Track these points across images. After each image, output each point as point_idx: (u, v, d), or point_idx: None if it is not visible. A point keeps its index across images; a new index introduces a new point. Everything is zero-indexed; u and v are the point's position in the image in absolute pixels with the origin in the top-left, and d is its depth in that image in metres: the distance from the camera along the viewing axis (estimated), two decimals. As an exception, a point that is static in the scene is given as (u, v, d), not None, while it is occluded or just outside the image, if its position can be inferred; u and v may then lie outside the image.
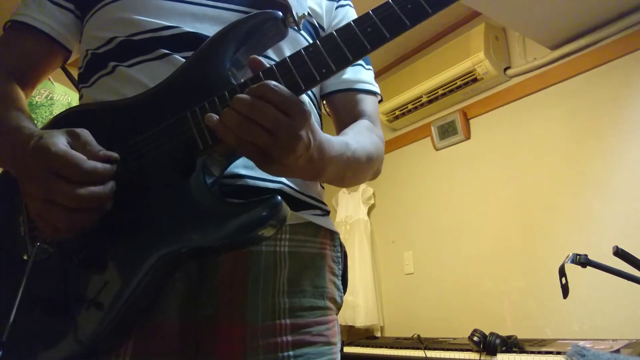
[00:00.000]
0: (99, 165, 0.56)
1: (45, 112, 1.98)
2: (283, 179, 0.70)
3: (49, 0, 0.76)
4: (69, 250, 0.62)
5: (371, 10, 0.59)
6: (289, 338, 0.65)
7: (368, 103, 0.83)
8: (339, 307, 0.76)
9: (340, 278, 0.77)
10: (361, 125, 0.78)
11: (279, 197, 0.56)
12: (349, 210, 3.20)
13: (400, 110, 2.97)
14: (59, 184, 0.54)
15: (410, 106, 2.91)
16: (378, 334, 2.84)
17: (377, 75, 1.06)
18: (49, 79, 2.19)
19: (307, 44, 0.76)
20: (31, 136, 0.59)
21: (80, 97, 0.77)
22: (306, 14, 0.71)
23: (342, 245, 0.80)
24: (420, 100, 2.84)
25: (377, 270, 3.03)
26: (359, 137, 0.72)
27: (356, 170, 0.70)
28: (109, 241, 0.61)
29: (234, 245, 0.59)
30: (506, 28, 2.61)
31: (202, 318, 0.64)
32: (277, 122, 0.52)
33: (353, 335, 2.89)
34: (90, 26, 0.74)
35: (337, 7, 0.87)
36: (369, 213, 3.18)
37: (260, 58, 0.59)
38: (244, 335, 0.64)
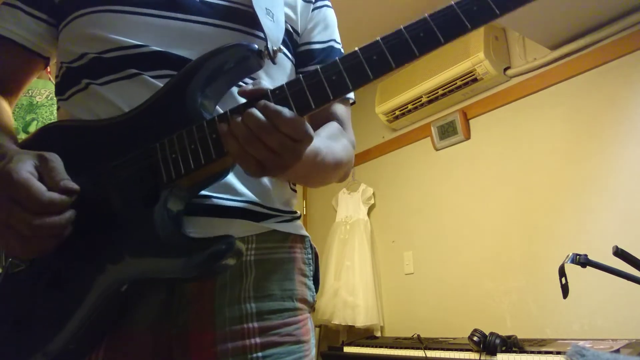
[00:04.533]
0: (56, 196, 0.58)
1: (46, 112, 1.98)
2: (247, 197, 0.72)
3: (23, 12, 0.77)
4: (38, 267, 0.65)
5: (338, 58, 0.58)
6: (257, 340, 0.68)
7: (339, 107, 0.86)
8: (311, 305, 0.79)
9: (311, 278, 0.81)
10: (333, 127, 0.80)
11: (233, 238, 0.59)
12: (349, 210, 3.20)
13: (400, 111, 2.97)
14: (16, 211, 0.56)
15: (410, 106, 2.91)
16: (378, 334, 2.83)
17: (377, 76, 1.06)
18: (50, 79, 2.19)
19: (287, 62, 0.80)
20: (1, 158, 0.62)
21: (58, 109, 0.79)
22: (281, 47, 0.72)
23: (312, 247, 0.83)
24: (420, 101, 2.84)
25: (377, 270, 3.03)
26: (329, 142, 0.74)
27: (322, 173, 0.74)
28: (74, 262, 0.64)
29: (189, 277, 0.63)
30: (506, 28, 2.61)
31: (173, 328, 0.66)
32: (284, 145, 0.55)
33: (353, 335, 2.89)
34: (64, 38, 0.75)
35: (313, 9, 0.88)
36: (369, 213, 3.18)
37: (251, 87, 0.60)
38: (214, 340, 0.66)
